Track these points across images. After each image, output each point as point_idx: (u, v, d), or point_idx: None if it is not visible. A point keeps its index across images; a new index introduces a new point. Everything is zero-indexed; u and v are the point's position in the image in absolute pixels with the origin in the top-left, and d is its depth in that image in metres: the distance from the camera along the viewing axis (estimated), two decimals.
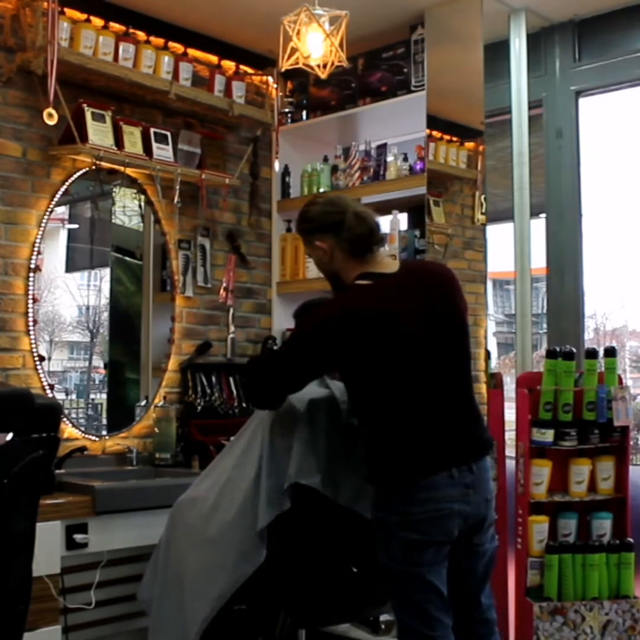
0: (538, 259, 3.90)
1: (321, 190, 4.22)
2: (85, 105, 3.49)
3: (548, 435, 3.19)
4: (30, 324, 3.42)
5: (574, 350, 3.24)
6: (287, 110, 4.39)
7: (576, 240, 3.98)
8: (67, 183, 3.56)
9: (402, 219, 4.07)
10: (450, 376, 2.39)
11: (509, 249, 3.83)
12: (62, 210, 3.76)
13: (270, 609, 2.69)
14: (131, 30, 3.70)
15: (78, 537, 2.92)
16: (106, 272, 3.95)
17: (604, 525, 3.23)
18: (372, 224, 2.48)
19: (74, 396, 3.97)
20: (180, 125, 3.98)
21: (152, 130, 3.74)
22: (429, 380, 2.34)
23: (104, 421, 3.92)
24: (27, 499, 2.20)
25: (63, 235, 3.88)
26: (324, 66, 3.24)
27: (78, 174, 3.59)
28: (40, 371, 3.45)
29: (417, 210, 3.97)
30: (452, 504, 2.29)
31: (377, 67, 4.12)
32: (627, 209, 5.35)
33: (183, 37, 3.93)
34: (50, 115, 3.33)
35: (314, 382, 2.67)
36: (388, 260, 2.57)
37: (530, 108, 3.85)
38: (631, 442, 3.27)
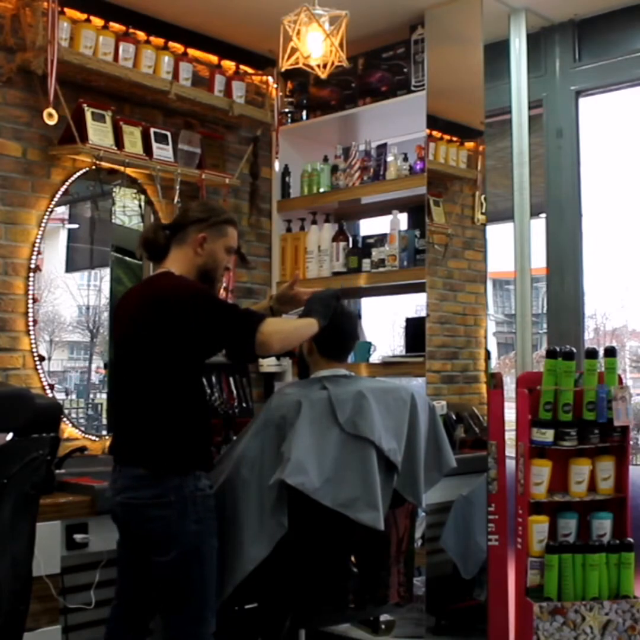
0: (538, 259, 3.90)
1: (321, 190, 4.23)
2: (85, 105, 3.49)
3: (548, 435, 3.19)
4: (30, 324, 3.42)
5: (574, 350, 3.24)
6: (287, 110, 4.39)
7: (576, 240, 3.98)
8: (67, 183, 3.57)
9: (402, 219, 4.07)
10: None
11: (509, 249, 3.83)
12: (62, 210, 3.75)
13: (269, 609, 2.69)
14: (131, 30, 3.70)
15: (78, 537, 2.93)
16: (106, 272, 3.94)
17: (604, 525, 3.23)
18: None
19: (74, 396, 3.96)
20: (180, 125, 3.98)
21: (152, 130, 3.74)
22: None
23: (104, 421, 3.92)
24: (27, 499, 2.20)
25: (63, 235, 3.87)
26: (324, 66, 3.23)
27: (78, 174, 3.59)
28: (40, 371, 3.45)
29: (417, 210, 3.97)
30: None
31: (377, 67, 4.12)
32: (627, 208, 5.36)
33: (183, 37, 3.94)
34: (50, 115, 3.33)
35: (314, 384, 2.68)
36: None
37: (530, 108, 3.85)
38: (631, 442, 3.27)
